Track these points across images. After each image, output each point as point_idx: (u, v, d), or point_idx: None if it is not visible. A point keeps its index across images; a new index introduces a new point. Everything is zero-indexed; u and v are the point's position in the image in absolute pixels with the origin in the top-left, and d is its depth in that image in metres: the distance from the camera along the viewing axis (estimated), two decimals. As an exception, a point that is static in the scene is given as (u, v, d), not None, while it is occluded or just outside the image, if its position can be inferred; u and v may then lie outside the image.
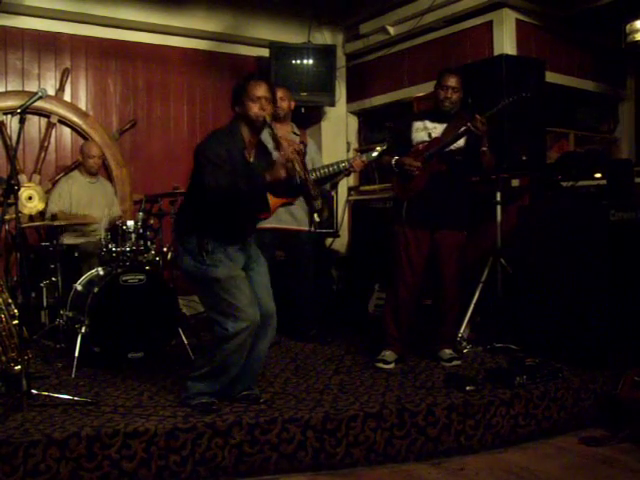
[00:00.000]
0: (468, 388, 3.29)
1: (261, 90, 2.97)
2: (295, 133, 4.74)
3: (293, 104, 4.76)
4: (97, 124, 5.68)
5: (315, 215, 3.43)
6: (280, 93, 4.65)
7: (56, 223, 4.38)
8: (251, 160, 3.05)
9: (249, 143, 3.04)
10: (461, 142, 3.89)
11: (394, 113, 6.13)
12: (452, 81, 3.89)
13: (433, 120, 3.97)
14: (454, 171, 3.92)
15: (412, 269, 3.91)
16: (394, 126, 5.19)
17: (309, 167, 4.65)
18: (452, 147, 3.88)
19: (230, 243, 3.03)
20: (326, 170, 4.60)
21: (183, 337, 4.05)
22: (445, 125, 3.93)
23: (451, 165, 3.91)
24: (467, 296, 4.29)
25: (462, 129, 3.81)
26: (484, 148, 3.84)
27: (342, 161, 4.66)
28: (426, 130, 3.96)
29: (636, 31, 4.93)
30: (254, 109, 2.95)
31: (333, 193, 5.76)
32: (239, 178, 2.88)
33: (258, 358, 3.18)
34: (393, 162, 3.97)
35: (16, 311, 3.31)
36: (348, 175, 5.03)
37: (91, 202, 5.04)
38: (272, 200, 4.49)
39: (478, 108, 3.85)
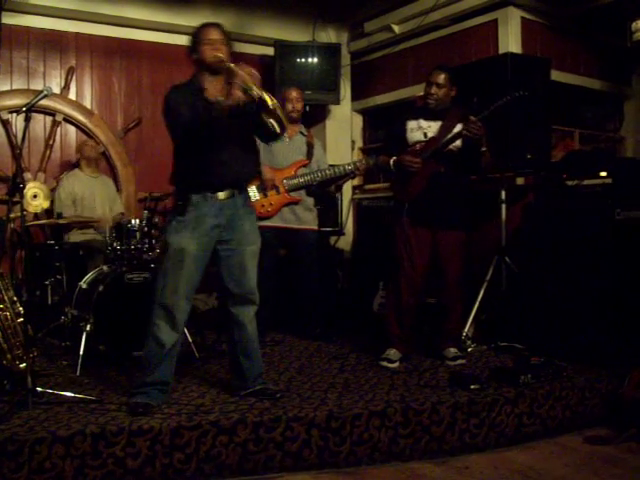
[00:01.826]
0: (472, 387, 3.29)
1: (214, 33, 3.00)
2: (302, 133, 4.74)
3: (303, 104, 4.76)
4: (102, 122, 5.69)
5: (273, 123, 3.13)
6: (295, 93, 4.64)
7: (61, 221, 4.38)
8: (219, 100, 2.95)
9: (212, 87, 2.99)
10: (458, 142, 3.86)
11: (399, 112, 6.12)
12: (437, 77, 3.87)
13: (427, 118, 3.93)
14: (453, 170, 3.89)
15: (414, 268, 3.89)
16: (388, 126, 5.17)
17: (314, 168, 4.68)
18: (450, 147, 3.86)
19: (204, 199, 3.01)
20: (331, 172, 4.61)
21: (188, 335, 4.05)
22: (440, 123, 3.90)
23: (450, 165, 3.88)
24: (472, 295, 4.29)
25: (457, 131, 3.79)
26: (483, 148, 3.83)
27: (347, 164, 4.68)
28: (421, 130, 3.93)
29: (642, 29, 4.91)
30: (208, 51, 2.98)
31: (338, 195, 5.77)
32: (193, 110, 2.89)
33: (250, 339, 3.20)
34: (392, 162, 3.94)
35: (21, 309, 3.33)
36: (353, 178, 5.05)
37: (93, 197, 5.05)
38: (276, 200, 4.55)
39: (482, 106, 3.84)
